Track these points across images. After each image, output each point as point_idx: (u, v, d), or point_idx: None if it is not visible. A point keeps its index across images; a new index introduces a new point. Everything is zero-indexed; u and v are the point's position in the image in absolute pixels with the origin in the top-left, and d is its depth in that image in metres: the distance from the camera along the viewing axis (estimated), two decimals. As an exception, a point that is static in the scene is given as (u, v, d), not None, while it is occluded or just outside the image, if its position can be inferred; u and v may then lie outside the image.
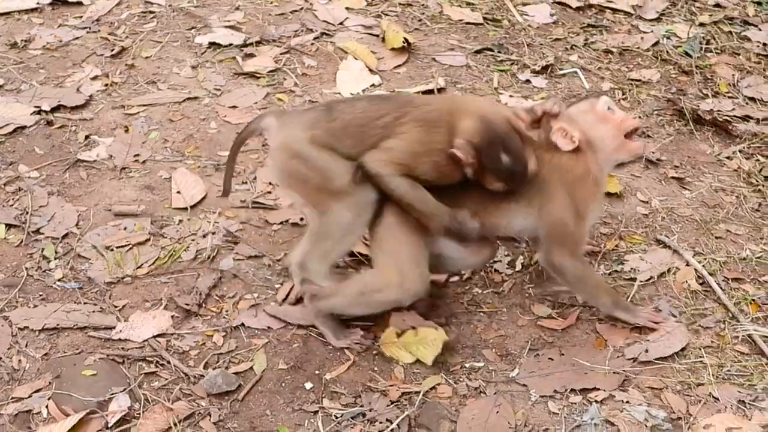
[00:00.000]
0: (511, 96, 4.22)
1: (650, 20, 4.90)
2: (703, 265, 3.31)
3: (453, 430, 2.74)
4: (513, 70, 4.44)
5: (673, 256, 3.38)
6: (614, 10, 5.00)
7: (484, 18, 4.84)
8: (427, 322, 3.01)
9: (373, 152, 2.91)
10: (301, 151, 2.94)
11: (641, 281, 3.26)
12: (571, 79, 4.41)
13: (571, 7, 4.97)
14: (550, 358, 2.97)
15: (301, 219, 3.48)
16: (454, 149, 2.87)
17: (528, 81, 4.36)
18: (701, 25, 4.85)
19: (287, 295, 3.17)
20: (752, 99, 4.30)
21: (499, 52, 4.56)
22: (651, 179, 3.79)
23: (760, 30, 4.81)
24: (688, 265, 3.33)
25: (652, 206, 3.64)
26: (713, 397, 2.85)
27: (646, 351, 2.98)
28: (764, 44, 4.70)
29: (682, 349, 3.00)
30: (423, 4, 4.94)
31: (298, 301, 3.14)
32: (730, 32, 4.80)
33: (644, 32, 4.79)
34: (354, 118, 2.95)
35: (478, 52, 4.56)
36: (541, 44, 4.66)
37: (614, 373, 2.91)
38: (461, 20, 4.82)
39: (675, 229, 3.51)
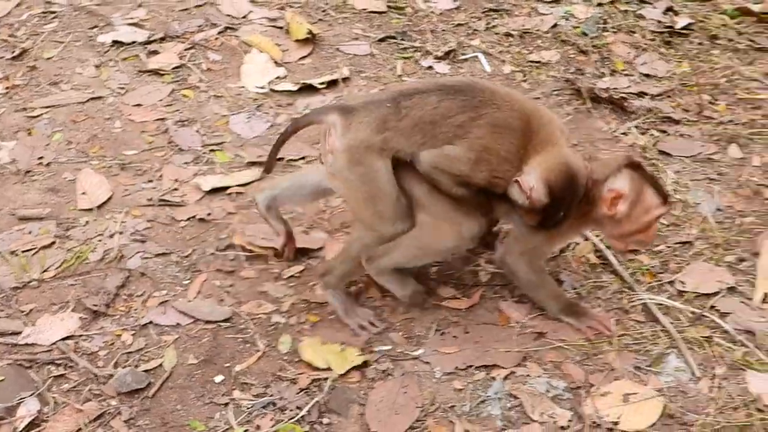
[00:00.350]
0: (415, 82, 4.30)
1: (549, 2, 4.99)
2: (601, 239, 3.43)
3: (362, 413, 2.80)
4: (416, 57, 4.50)
5: (572, 231, 3.48)
6: (515, -6, 5.10)
7: (388, 6, 4.90)
8: (354, 340, 3.03)
9: (434, 154, 2.87)
10: (368, 162, 2.87)
11: (542, 258, 3.37)
12: (472, 63, 4.49)
13: (473, -8, 5.07)
14: (454, 337, 3.04)
15: (209, 214, 3.50)
16: (525, 180, 2.85)
17: (431, 67, 4.43)
18: (599, 5, 4.97)
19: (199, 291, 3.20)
20: (647, 75, 4.43)
21: (403, 39, 4.62)
22: (551, 158, 3.87)
23: (654, 8, 4.94)
24: (586, 239, 3.44)
25: (552, 184, 3.73)
26: (611, 365, 2.96)
27: (544, 333, 3.09)
28: (659, 21, 4.83)
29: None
30: (327, -5, 4.99)
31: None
32: (626, 11, 4.93)
33: (544, 14, 4.89)
34: (425, 114, 2.86)
35: (381, 40, 4.62)
36: (444, 30, 4.73)
37: (517, 347, 3.01)
38: (365, 9, 4.87)
39: (574, 205, 3.61)
